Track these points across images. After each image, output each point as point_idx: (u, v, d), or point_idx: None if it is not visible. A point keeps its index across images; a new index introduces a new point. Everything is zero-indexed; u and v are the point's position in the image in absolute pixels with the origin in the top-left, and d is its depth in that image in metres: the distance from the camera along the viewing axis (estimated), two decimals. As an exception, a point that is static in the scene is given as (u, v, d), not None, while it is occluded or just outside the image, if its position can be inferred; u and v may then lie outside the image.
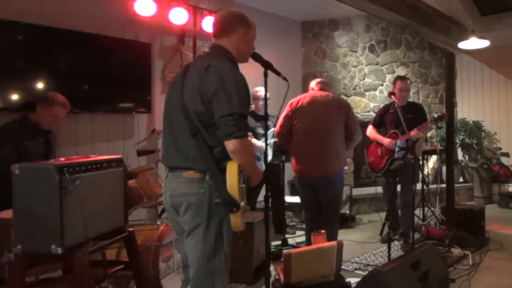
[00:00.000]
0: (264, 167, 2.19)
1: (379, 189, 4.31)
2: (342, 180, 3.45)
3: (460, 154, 6.89)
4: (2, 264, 2.10)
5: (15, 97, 3.39)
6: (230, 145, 1.78)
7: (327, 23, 6.14)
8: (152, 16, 4.08)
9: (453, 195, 4.53)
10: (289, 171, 3.85)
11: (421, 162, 5.00)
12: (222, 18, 2.01)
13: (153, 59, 4.36)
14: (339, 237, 3.92)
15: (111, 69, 3.96)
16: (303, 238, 4.44)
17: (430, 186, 5.61)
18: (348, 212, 5.14)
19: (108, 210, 2.22)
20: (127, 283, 2.74)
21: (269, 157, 3.96)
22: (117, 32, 4.04)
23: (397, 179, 3.94)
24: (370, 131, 4.20)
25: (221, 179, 1.80)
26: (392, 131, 3.99)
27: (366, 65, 6.32)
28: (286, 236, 4.27)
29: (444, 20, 5.02)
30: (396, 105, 3.63)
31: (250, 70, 2.16)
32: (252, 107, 4.29)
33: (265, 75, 2.12)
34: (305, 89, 6.07)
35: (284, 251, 2.52)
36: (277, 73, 2.19)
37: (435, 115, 4.03)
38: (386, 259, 3.54)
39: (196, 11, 4.42)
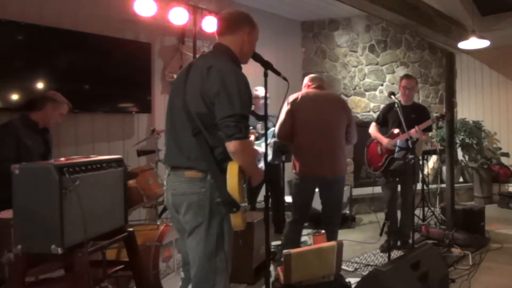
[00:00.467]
0: (264, 167, 2.18)
1: (376, 189, 4.29)
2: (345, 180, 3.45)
3: (460, 154, 6.89)
4: (2, 264, 2.10)
5: (15, 97, 3.39)
6: (231, 146, 1.78)
7: (327, 23, 6.15)
8: (152, 16, 4.08)
9: (453, 195, 4.53)
10: (289, 171, 3.84)
11: (421, 162, 5.00)
12: (228, 16, 2.01)
13: (153, 59, 4.36)
14: (339, 237, 3.92)
15: (111, 69, 3.97)
16: (303, 238, 4.45)
17: (430, 186, 5.61)
18: (348, 212, 5.13)
19: (108, 210, 2.22)
20: (127, 283, 2.74)
21: (269, 157, 3.96)
22: (117, 32, 4.04)
23: (397, 179, 3.94)
24: (372, 128, 4.18)
25: (222, 180, 1.81)
26: (393, 130, 3.97)
27: (366, 65, 6.32)
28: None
29: (444, 20, 5.02)
30: (396, 105, 3.61)
31: (250, 70, 2.16)
32: (252, 106, 4.29)
33: (265, 75, 2.12)
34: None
35: (284, 251, 2.51)
36: (277, 73, 2.19)
37: (435, 115, 4.00)
38: (386, 259, 3.54)
39: (196, 11, 4.42)
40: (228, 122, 1.77)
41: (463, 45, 5.05)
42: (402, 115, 3.48)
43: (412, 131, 3.58)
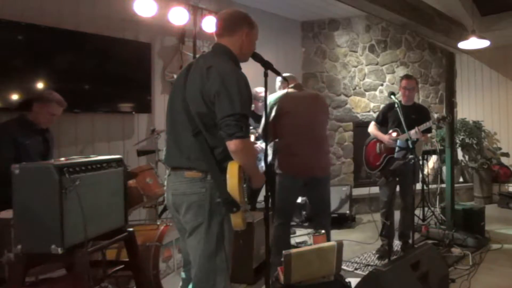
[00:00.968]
0: (264, 167, 2.18)
1: (376, 189, 4.24)
2: None
3: (460, 154, 6.89)
4: (2, 264, 2.10)
5: (15, 97, 3.39)
6: (232, 145, 1.78)
7: (327, 23, 6.15)
8: (152, 16, 4.08)
9: (453, 195, 4.53)
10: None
11: (421, 162, 4.99)
12: (226, 17, 2.02)
13: (153, 59, 4.36)
14: (339, 237, 3.92)
15: (111, 69, 3.97)
16: (303, 238, 4.45)
17: (430, 186, 5.61)
18: (348, 212, 5.13)
19: (108, 210, 2.22)
20: (127, 283, 2.74)
21: (269, 157, 3.95)
22: (117, 32, 4.04)
23: (397, 179, 3.93)
24: (372, 127, 4.15)
25: (222, 180, 1.81)
26: (391, 132, 3.95)
27: (366, 65, 6.32)
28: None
29: (444, 20, 5.02)
30: (396, 105, 3.60)
31: (250, 70, 2.16)
32: (252, 107, 4.28)
33: (265, 75, 2.12)
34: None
35: (284, 251, 2.51)
36: (277, 73, 2.19)
37: (435, 115, 3.99)
38: (386, 259, 3.54)
39: (196, 11, 4.42)
40: (228, 121, 1.77)
41: (463, 45, 5.05)
42: (402, 115, 3.48)
43: (412, 132, 3.57)
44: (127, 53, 4.06)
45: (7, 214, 2.09)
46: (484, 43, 4.99)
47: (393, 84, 6.40)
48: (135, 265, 2.47)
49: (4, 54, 3.32)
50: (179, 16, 4.21)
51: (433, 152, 5.82)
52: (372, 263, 3.67)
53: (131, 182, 2.88)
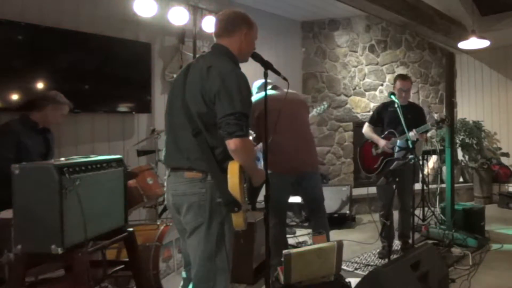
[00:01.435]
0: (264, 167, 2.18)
1: (373, 190, 4.20)
2: None
3: (460, 154, 6.89)
4: (2, 264, 2.11)
5: (15, 97, 3.39)
6: (232, 144, 1.78)
7: (327, 23, 6.15)
8: (152, 16, 4.08)
9: (453, 195, 4.53)
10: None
11: (421, 162, 4.99)
12: (224, 18, 2.02)
13: (153, 59, 4.36)
14: (339, 237, 3.91)
15: (111, 69, 3.97)
16: (303, 238, 4.45)
17: (430, 186, 5.60)
18: (348, 212, 5.13)
19: (108, 210, 2.22)
20: (127, 283, 2.74)
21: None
22: (117, 32, 4.04)
23: (397, 179, 3.91)
24: (366, 129, 4.08)
25: (222, 179, 1.81)
26: (389, 130, 3.91)
27: (366, 65, 6.32)
28: (286, 236, 4.25)
29: (444, 20, 5.02)
30: (396, 105, 3.58)
31: (250, 70, 2.16)
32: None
33: (265, 75, 2.12)
34: (305, 89, 6.09)
35: (284, 251, 2.51)
36: (277, 73, 2.19)
37: (435, 115, 3.95)
38: (386, 259, 3.54)
39: (196, 11, 4.42)
40: (229, 120, 1.77)
41: (463, 45, 5.05)
42: (402, 115, 3.47)
43: (411, 134, 3.55)
44: (127, 53, 4.07)
45: (7, 214, 2.09)
46: (484, 43, 4.99)
47: (393, 84, 6.40)
48: (135, 265, 2.47)
49: (4, 54, 3.32)
50: (179, 16, 4.21)
51: (433, 152, 5.82)
52: (372, 263, 3.67)
53: (131, 182, 2.88)
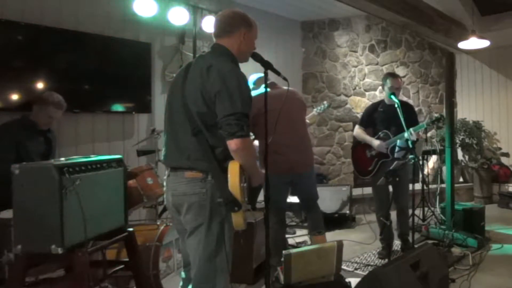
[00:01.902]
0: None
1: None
2: None
3: (460, 154, 6.89)
4: (2, 264, 2.11)
5: (15, 97, 3.39)
6: (233, 144, 1.79)
7: (327, 23, 6.15)
8: (152, 16, 4.08)
9: (453, 195, 4.53)
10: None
11: (421, 162, 4.98)
12: (223, 18, 2.02)
13: (153, 59, 4.36)
14: (339, 237, 3.91)
15: (111, 69, 3.97)
16: (303, 238, 4.45)
17: (430, 186, 5.61)
18: (348, 212, 5.13)
19: (108, 210, 2.22)
20: (127, 283, 2.74)
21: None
22: (117, 32, 4.04)
23: (397, 179, 3.90)
24: (357, 131, 3.97)
25: (223, 179, 1.81)
26: (383, 131, 3.81)
27: (366, 65, 6.32)
28: (286, 236, 4.26)
29: (444, 20, 5.02)
30: (396, 105, 3.56)
31: (250, 70, 2.16)
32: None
33: (265, 75, 2.12)
34: (305, 88, 6.09)
35: (284, 251, 2.51)
36: (277, 73, 2.19)
37: (435, 116, 3.92)
38: (386, 259, 3.54)
39: (196, 11, 4.42)
40: (230, 120, 1.77)
41: (463, 45, 5.05)
42: (402, 115, 3.45)
43: (406, 135, 3.52)
44: (127, 53, 4.06)
45: (7, 214, 2.09)
46: (484, 43, 4.99)
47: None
48: (135, 265, 2.46)
49: (4, 54, 3.32)
50: (179, 16, 4.22)
51: (433, 152, 5.82)
52: (372, 263, 3.67)
53: (131, 182, 2.88)
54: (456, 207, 4.47)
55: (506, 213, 5.82)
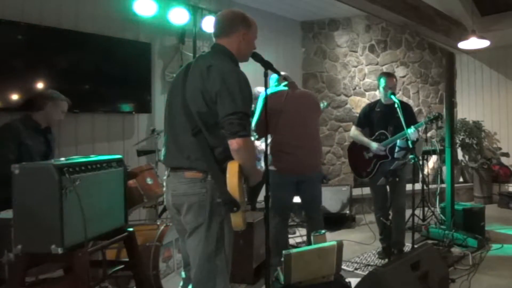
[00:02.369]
0: (264, 167, 2.18)
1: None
2: None
3: (460, 154, 6.89)
4: (2, 264, 2.10)
5: (15, 97, 3.39)
6: (234, 144, 1.78)
7: (327, 23, 6.15)
8: (152, 16, 4.08)
9: (453, 195, 4.53)
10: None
11: (421, 162, 4.98)
12: (222, 18, 2.02)
13: (153, 59, 4.37)
14: (339, 237, 3.91)
15: (111, 69, 3.97)
16: (303, 238, 4.44)
17: (430, 186, 5.60)
18: (348, 212, 5.13)
19: (108, 210, 2.22)
20: (127, 283, 2.74)
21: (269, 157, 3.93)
22: (117, 32, 4.04)
23: (397, 179, 3.89)
24: (354, 133, 3.92)
25: (222, 179, 1.81)
26: (380, 132, 3.77)
27: (366, 65, 6.32)
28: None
29: (444, 20, 5.02)
30: (396, 105, 3.55)
31: (250, 70, 2.16)
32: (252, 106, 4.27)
33: (265, 75, 2.12)
34: (305, 89, 6.07)
35: (284, 251, 2.51)
36: (277, 73, 2.19)
37: (433, 113, 3.87)
38: (386, 259, 3.54)
39: (196, 11, 4.42)
40: (231, 120, 1.77)
41: (463, 45, 5.05)
42: (401, 114, 3.44)
43: (410, 130, 3.50)
44: (127, 53, 4.07)
45: (7, 214, 2.09)
46: (484, 43, 4.98)
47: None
48: (135, 265, 2.46)
49: (4, 54, 3.32)
50: (179, 16, 4.22)
51: (433, 152, 5.81)
52: (372, 263, 3.67)
53: (131, 182, 2.88)
54: (456, 207, 4.48)
55: (506, 213, 5.82)
